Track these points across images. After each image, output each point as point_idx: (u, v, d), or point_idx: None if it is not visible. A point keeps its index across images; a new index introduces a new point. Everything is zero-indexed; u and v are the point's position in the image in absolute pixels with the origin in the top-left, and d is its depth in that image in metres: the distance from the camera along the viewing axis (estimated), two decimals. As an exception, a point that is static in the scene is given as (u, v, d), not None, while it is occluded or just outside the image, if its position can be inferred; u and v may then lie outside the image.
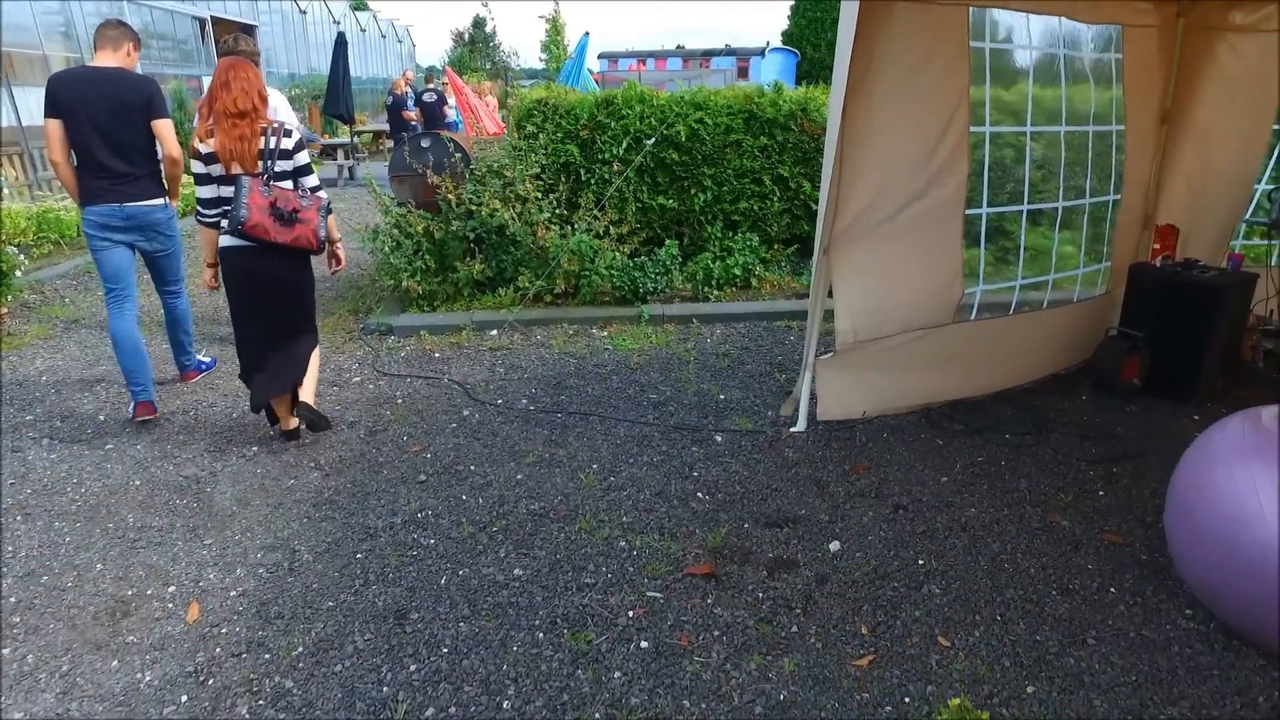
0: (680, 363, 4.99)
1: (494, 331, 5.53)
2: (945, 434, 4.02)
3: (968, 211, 3.94)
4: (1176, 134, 4.90)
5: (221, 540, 3.15)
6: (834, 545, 3.08)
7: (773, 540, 3.12)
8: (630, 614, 2.70)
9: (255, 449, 3.90)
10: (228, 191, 3.58)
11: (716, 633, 2.62)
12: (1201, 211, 5.09)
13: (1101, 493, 3.50)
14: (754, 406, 4.34)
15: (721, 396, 4.47)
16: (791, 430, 4.02)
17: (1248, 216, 5.40)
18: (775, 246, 6.83)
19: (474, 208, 5.76)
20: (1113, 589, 2.85)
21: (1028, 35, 4.07)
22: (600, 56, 29.51)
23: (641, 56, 27.61)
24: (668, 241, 6.20)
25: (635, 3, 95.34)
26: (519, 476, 3.60)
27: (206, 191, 3.63)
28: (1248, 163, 5.16)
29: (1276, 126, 5.26)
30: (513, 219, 5.72)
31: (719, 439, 3.96)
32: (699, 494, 3.45)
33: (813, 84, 7.37)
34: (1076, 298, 4.69)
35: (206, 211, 3.67)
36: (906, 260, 3.84)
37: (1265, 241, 5.66)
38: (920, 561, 2.98)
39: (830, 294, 3.82)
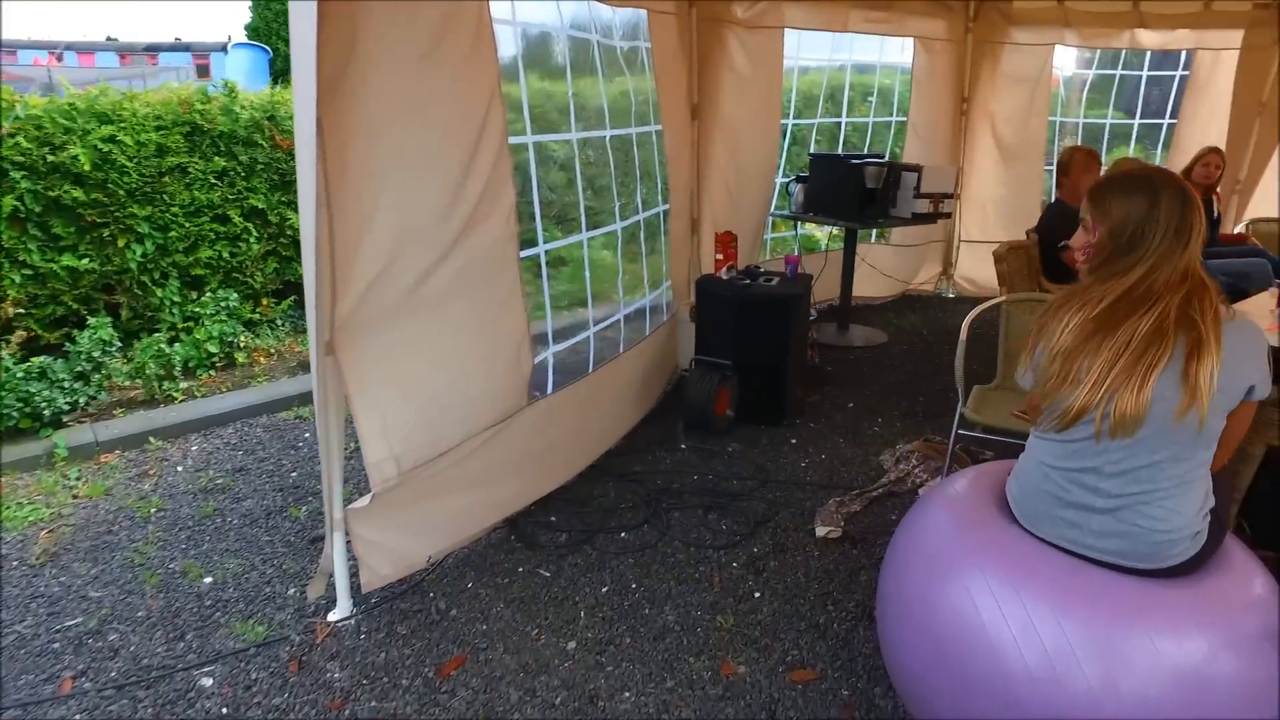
0: (134, 526, 3.14)
1: None
2: (547, 555, 2.93)
3: (523, 254, 2.84)
4: (707, 131, 4.45)
5: None
6: None
7: None
8: None
9: None
10: None
11: None
12: (740, 210, 4.77)
13: (758, 593, 2.72)
14: (264, 587, 2.76)
15: (208, 580, 2.79)
16: (331, 621, 2.56)
17: (773, 210, 5.29)
18: (264, 302, 5.12)
19: None
20: (841, 780, 2.01)
21: (559, 16, 3.09)
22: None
23: (56, 48, 21.84)
24: (93, 320, 4.12)
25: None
26: None
27: None
28: (769, 156, 4.98)
29: (783, 121, 5.20)
30: None
31: (209, 683, 2.33)
32: (176, 844, 1.84)
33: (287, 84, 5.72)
34: (649, 329, 3.97)
35: None
36: (457, 338, 2.61)
37: (790, 233, 5.66)
38: None
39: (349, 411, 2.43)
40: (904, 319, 5.85)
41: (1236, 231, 5.76)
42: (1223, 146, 6.28)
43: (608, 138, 3.34)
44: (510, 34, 2.86)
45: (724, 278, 4.01)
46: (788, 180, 5.19)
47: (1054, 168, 6.45)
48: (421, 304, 2.43)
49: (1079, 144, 4.28)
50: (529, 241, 2.91)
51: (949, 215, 5.18)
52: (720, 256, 4.06)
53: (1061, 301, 1.85)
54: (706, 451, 3.74)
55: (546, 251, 3.04)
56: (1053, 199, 4.37)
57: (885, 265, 5.88)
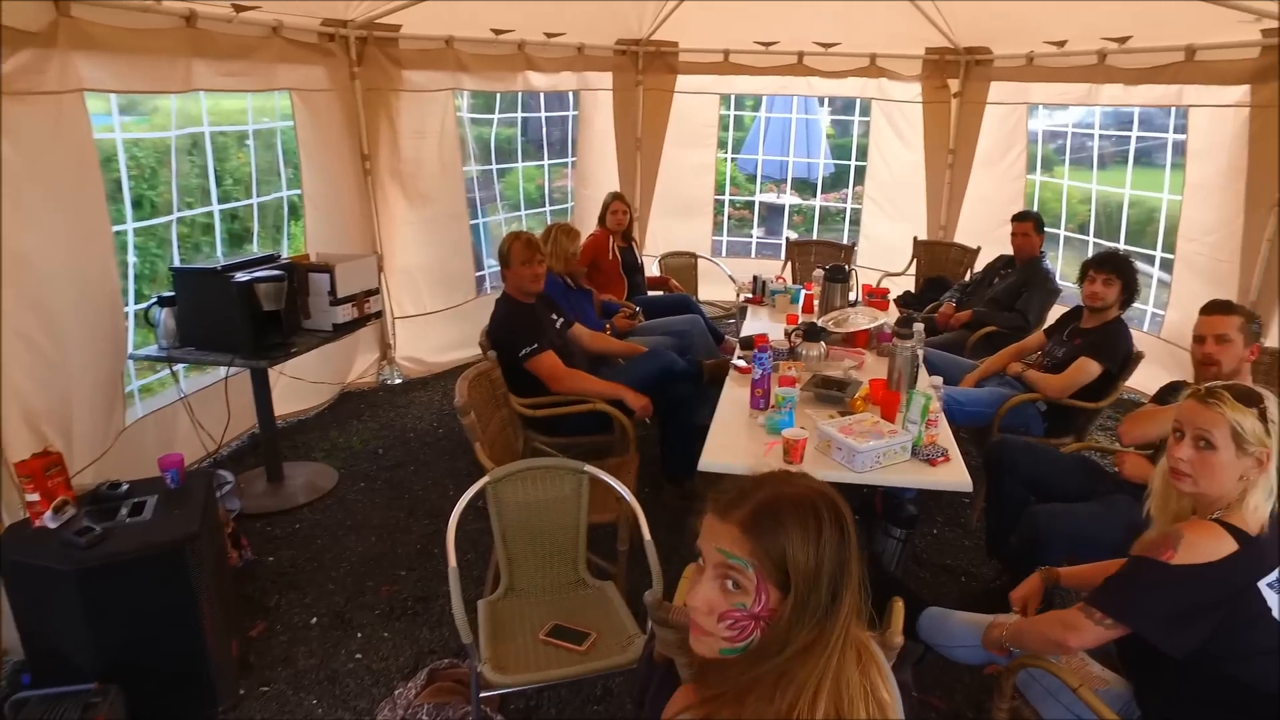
0: None
1: None
2: None
3: None
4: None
5: None
6: None
7: None
8: None
9: None
10: None
11: None
12: (68, 371, 3.11)
13: None
14: None
15: None
16: None
17: (133, 351, 3.67)
18: None
19: None
20: None
21: None
22: None
23: None
24: None
25: None
26: None
27: None
28: (103, 278, 3.36)
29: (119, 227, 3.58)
30: None
31: None
32: None
33: None
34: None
35: None
36: None
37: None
38: None
39: None
40: (350, 433, 4.73)
41: (658, 274, 5.94)
42: (616, 183, 6.50)
43: None
44: None
45: (50, 526, 2.42)
46: (150, 304, 3.61)
47: (478, 219, 6.01)
48: None
49: (519, 231, 3.65)
50: None
51: (380, 314, 4.20)
52: (37, 496, 2.43)
53: None
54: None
55: None
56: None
57: (311, 371, 4.65)
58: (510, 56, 5.51)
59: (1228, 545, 1.70)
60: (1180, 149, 4.89)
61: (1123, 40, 4.83)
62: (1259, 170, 4.27)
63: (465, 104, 6.08)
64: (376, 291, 4.06)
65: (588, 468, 2.62)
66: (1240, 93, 4.35)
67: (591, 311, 4.38)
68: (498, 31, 5.26)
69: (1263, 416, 1.75)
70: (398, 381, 5.42)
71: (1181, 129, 4.87)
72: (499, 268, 3.68)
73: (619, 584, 2.93)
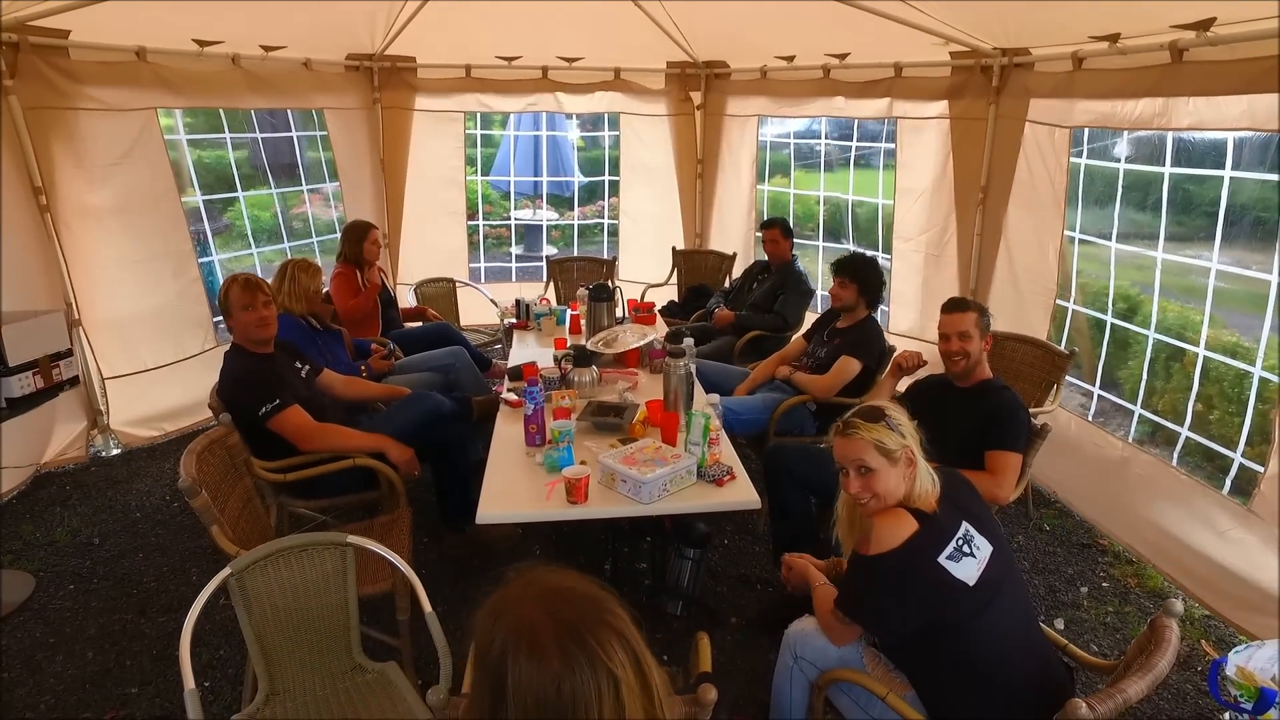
0: None
1: None
2: None
3: None
4: None
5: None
6: None
7: None
8: None
9: None
10: None
11: None
12: None
13: None
14: None
15: None
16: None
17: None
18: None
19: None
20: None
21: None
22: None
23: None
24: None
25: None
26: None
27: None
28: None
29: None
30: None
31: None
32: None
33: None
34: None
35: None
36: None
37: None
38: None
39: None
40: (51, 525, 3.87)
41: (414, 304, 5.54)
42: (372, 209, 6.06)
43: None
44: None
45: None
46: None
47: (212, 255, 5.28)
48: None
49: (236, 274, 3.16)
50: None
51: (77, 380, 3.50)
52: None
53: None
54: None
55: None
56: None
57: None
58: (225, 72, 4.89)
59: (910, 525, 1.90)
60: (893, 156, 5.34)
61: (842, 57, 5.20)
62: (964, 173, 4.75)
63: (181, 124, 5.36)
64: (69, 354, 3.37)
65: (351, 539, 2.29)
66: (940, 107, 4.82)
67: (343, 354, 3.95)
68: (202, 43, 4.63)
69: (888, 426, 1.97)
70: (116, 453, 4.58)
71: (892, 138, 5.32)
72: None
73: (404, 659, 2.62)
